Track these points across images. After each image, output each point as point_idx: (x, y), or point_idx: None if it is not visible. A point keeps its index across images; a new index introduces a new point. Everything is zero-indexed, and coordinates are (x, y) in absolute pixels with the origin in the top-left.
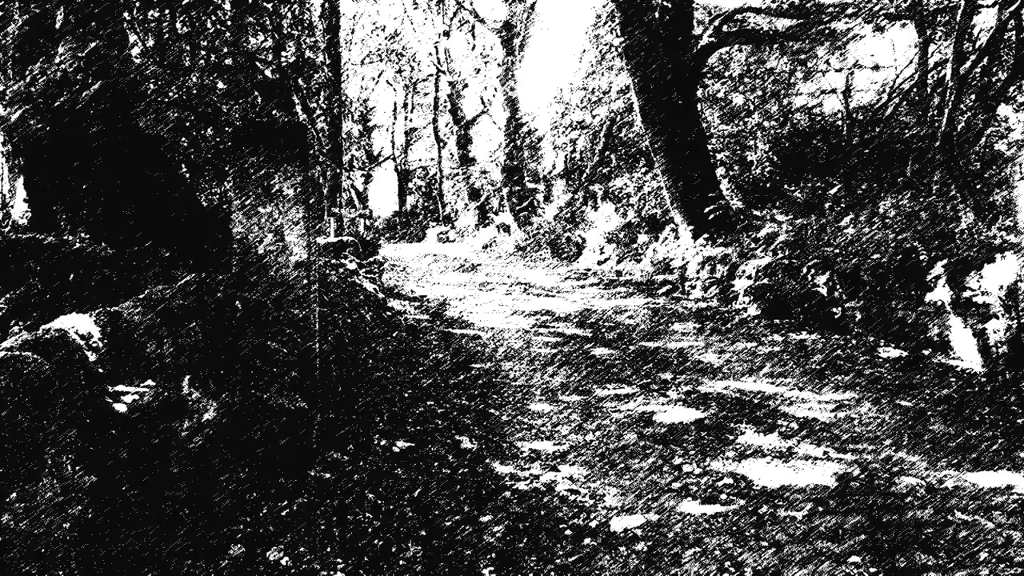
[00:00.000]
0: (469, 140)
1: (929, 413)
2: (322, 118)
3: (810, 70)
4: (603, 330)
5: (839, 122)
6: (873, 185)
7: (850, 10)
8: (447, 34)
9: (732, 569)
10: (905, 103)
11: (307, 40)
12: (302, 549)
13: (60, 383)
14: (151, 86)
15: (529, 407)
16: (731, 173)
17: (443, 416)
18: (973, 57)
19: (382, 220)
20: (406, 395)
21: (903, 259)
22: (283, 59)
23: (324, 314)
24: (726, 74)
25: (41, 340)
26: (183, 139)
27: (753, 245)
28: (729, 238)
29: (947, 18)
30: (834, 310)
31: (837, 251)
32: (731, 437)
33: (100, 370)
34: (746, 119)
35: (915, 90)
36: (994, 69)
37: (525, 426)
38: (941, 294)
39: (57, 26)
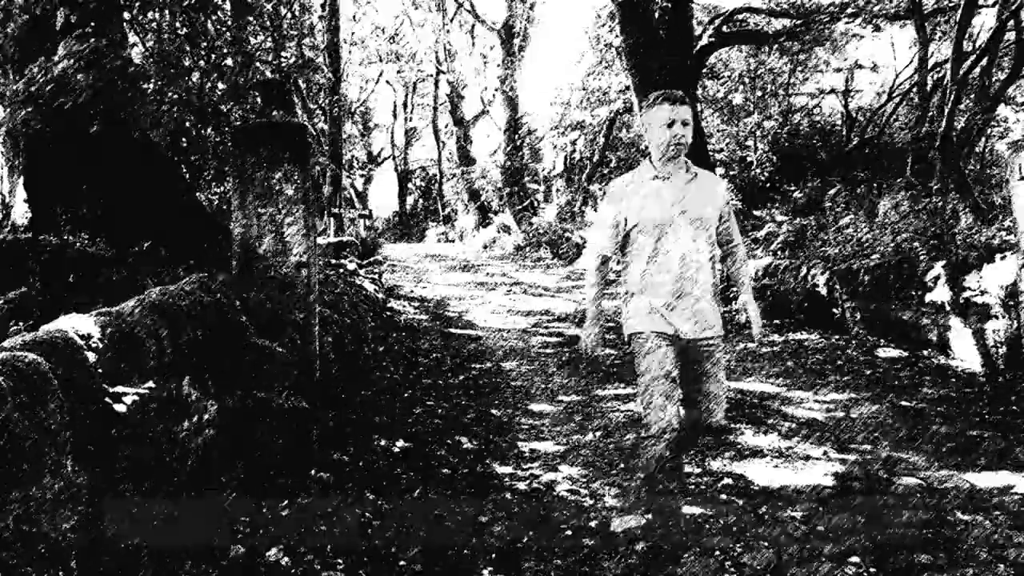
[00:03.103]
0: (469, 140)
1: (929, 413)
2: (322, 118)
3: (810, 70)
4: None
5: (839, 122)
6: (873, 185)
7: (850, 10)
8: (447, 34)
9: (732, 569)
10: (905, 103)
11: (307, 40)
12: (302, 549)
13: (60, 383)
14: (151, 86)
15: (529, 407)
16: (731, 173)
17: (443, 416)
18: (973, 57)
19: (382, 220)
20: (406, 395)
21: (903, 259)
22: (283, 59)
23: (324, 314)
24: (726, 74)
25: (41, 340)
26: (183, 139)
27: (753, 245)
28: None
29: (947, 18)
30: (834, 310)
31: (837, 251)
32: (731, 437)
33: (100, 370)
34: (746, 119)
35: (915, 90)
36: (994, 69)
37: (525, 426)
38: (941, 294)
39: (57, 26)
